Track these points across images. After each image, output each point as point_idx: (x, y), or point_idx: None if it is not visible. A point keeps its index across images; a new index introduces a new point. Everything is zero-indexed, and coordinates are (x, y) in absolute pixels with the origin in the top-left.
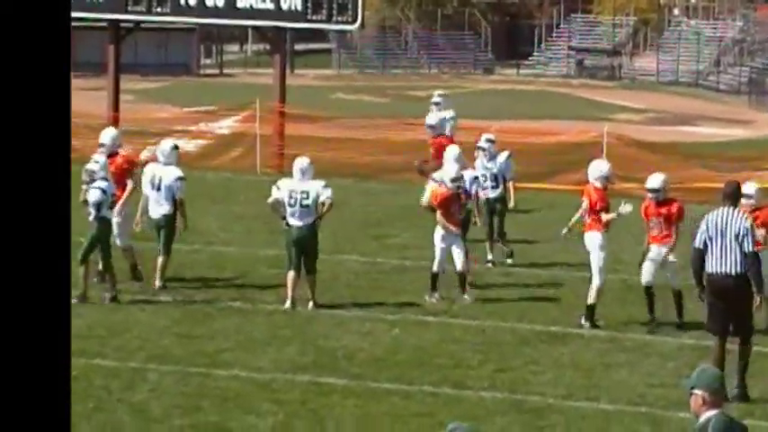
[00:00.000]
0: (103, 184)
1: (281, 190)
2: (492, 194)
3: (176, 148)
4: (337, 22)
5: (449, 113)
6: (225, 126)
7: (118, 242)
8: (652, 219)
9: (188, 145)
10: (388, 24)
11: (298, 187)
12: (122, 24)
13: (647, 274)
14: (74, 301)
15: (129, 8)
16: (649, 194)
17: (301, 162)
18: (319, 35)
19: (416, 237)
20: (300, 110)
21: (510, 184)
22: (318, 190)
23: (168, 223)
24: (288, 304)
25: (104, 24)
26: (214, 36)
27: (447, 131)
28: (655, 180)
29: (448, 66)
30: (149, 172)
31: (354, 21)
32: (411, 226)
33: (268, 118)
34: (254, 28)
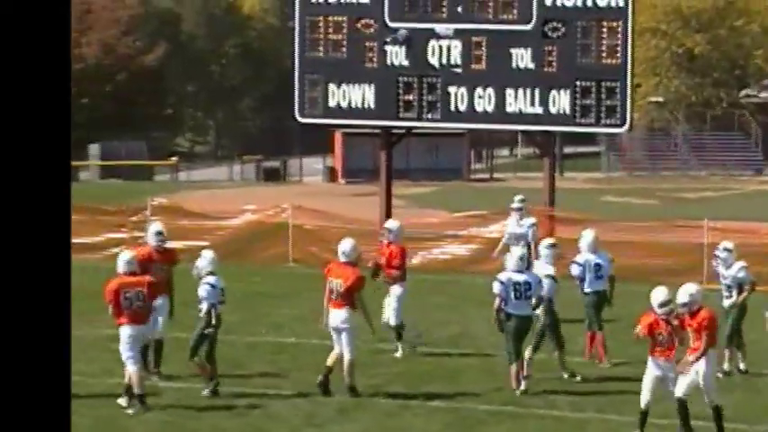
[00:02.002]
0: (212, 279)
1: (504, 282)
2: (727, 302)
3: (554, 246)
4: (606, 125)
5: (531, 220)
6: (495, 230)
7: (347, 355)
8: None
9: (459, 249)
10: (656, 126)
11: (521, 279)
12: (394, 131)
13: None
14: (205, 392)
15: (401, 114)
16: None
17: (521, 252)
18: (588, 138)
19: None
20: (570, 213)
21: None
22: (537, 283)
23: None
24: (522, 386)
25: (376, 131)
26: (484, 140)
27: (530, 238)
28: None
29: (717, 167)
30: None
31: (623, 123)
32: None
33: (538, 221)
34: (524, 132)
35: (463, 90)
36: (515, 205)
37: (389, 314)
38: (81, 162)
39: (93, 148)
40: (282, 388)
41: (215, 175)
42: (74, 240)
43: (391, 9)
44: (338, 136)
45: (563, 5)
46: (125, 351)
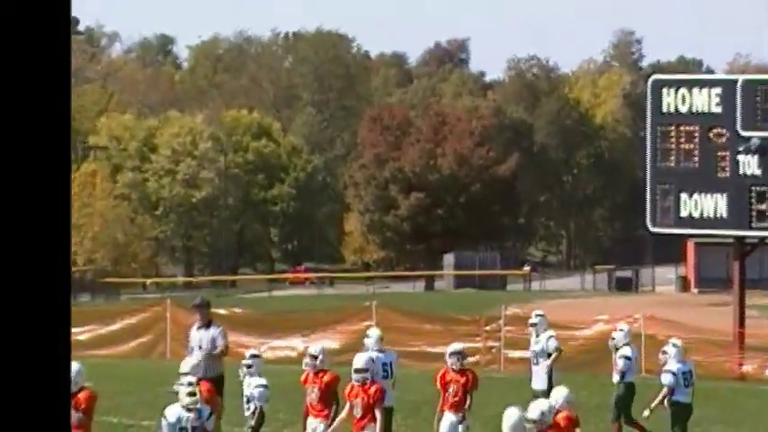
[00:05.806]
0: (263, 380)
1: (675, 374)
2: None
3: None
4: None
5: (548, 333)
6: None
7: None
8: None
9: None
10: None
11: (686, 368)
12: (747, 240)
13: None
14: None
15: (754, 224)
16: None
17: (680, 342)
18: None
19: None
20: None
21: None
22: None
23: None
24: None
25: (729, 240)
26: None
27: (550, 350)
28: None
29: None
30: None
31: None
32: None
33: None
34: None
35: None
36: (532, 321)
37: None
38: (436, 272)
39: (448, 258)
40: None
41: (567, 284)
42: (427, 350)
43: (744, 118)
44: (690, 245)
45: None
46: None
